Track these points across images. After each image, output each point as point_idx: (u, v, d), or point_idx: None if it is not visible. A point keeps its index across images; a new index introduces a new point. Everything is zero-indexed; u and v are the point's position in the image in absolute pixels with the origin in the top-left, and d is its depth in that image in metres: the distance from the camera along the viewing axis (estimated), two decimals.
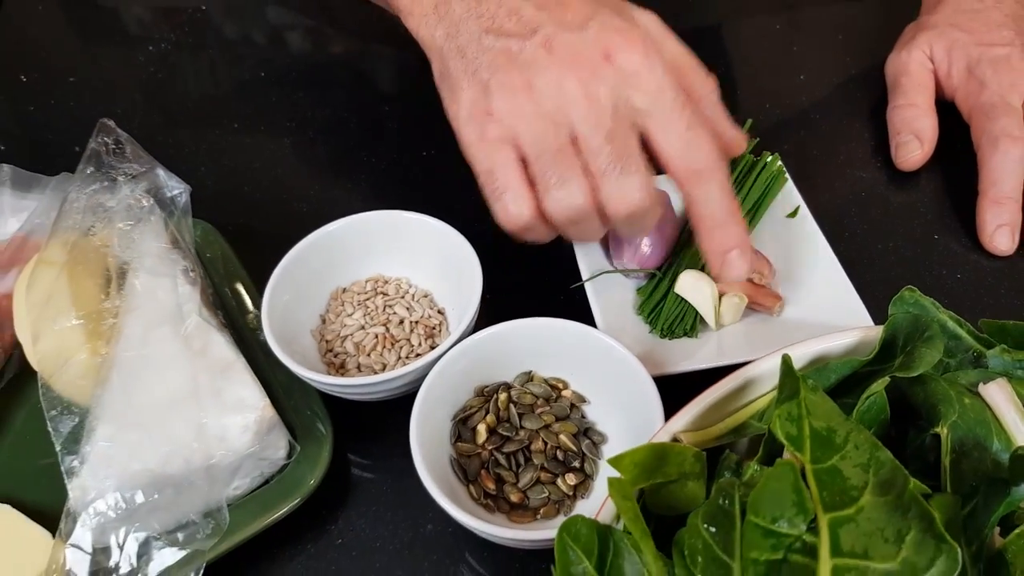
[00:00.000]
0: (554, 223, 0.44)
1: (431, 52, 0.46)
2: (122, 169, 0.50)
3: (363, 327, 0.49)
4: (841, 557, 0.28)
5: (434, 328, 0.50)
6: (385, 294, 0.51)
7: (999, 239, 0.53)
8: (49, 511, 0.43)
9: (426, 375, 0.44)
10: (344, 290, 0.52)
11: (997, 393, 0.36)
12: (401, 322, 0.49)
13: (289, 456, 0.44)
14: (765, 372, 0.38)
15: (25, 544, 0.42)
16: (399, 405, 0.47)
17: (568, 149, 0.42)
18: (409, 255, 0.52)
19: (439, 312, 0.51)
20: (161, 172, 0.53)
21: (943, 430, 0.34)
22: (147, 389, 0.43)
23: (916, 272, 0.54)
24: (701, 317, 0.48)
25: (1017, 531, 0.33)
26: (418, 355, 0.48)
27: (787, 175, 0.54)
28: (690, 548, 0.32)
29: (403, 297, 0.51)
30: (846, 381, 0.38)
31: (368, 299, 0.51)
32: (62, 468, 0.40)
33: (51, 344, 0.44)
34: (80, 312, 0.45)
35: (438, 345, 0.47)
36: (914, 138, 0.58)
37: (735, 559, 0.31)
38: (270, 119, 0.67)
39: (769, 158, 0.53)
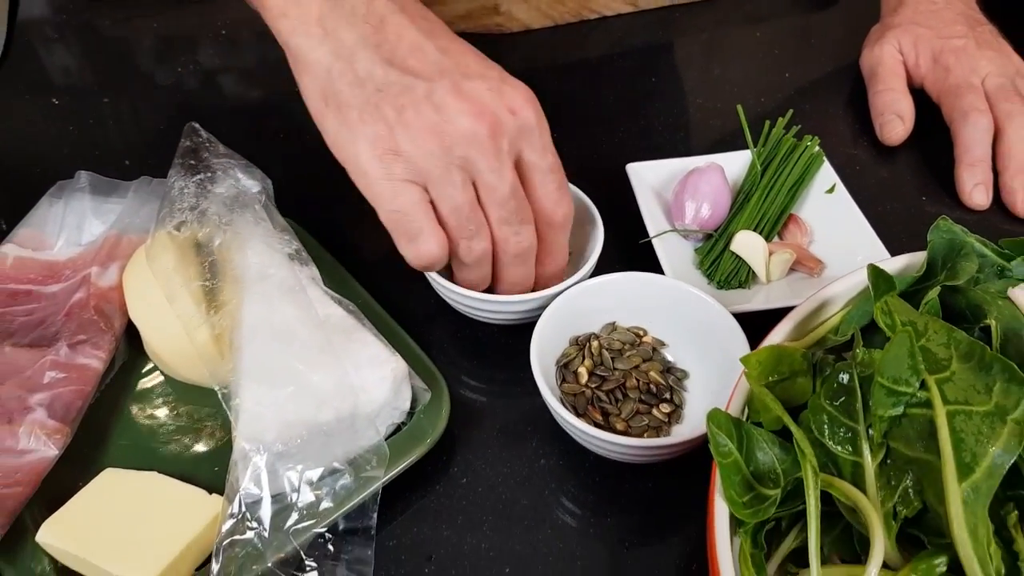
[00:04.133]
0: (460, 264, 0.48)
1: (310, 67, 0.45)
2: (219, 163, 0.54)
3: None
4: (950, 405, 0.35)
5: None
6: None
7: (976, 196, 0.63)
8: (190, 479, 0.46)
9: (544, 306, 0.50)
10: None
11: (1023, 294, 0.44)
12: None
13: (412, 407, 0.49)
14: (837, 294, 0.45)
15: (180, 503, 0.45)
16: (498, 368, 0.53)
17: (476, 201, 0.45)
18: None
19: None
20: (245, 166, 0.57)
21: (992, 321, 0.42)
22: (285, 352, 0.47)
23: (911, 230, 0.63)
24: (753, 272, 0.56)
25: None
26: None
27: (824, 156, 0.62)
28: (816, 422, 0.38)
29: None
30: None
31: None
32: (230, 416, 0.44)
33: (186, 304, 0.48)
34: (206, 279, 0.49)
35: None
36: (896, 117, 0.67)
37: (859, 422, 0.38)
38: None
39: (809, 142, 0.62)
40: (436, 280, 0.52)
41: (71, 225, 0.58)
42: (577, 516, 0.47)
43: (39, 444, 0.47)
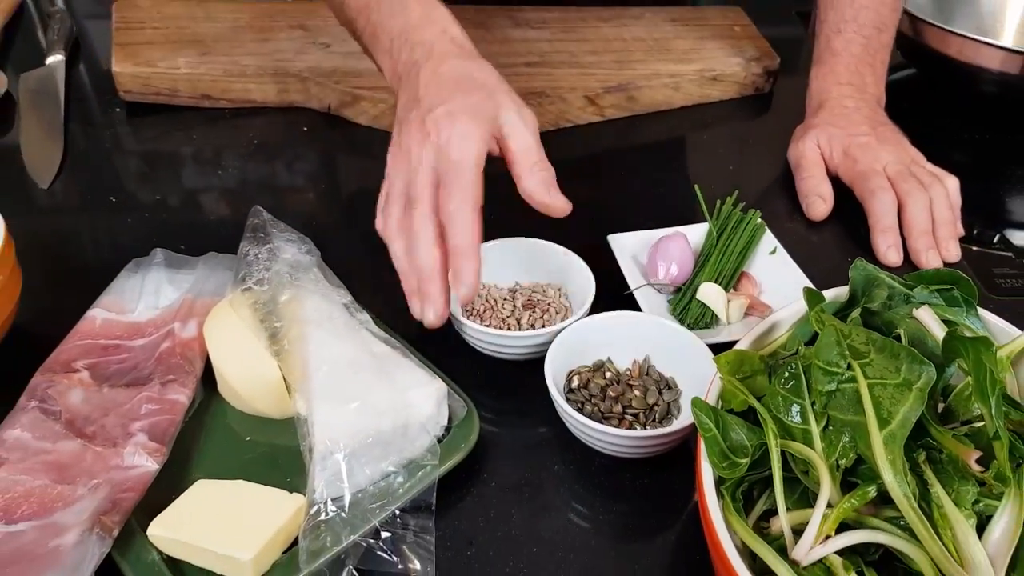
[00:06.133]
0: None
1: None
2: (280, 236, 0.67)
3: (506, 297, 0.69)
4: (870, 380, 0.48)
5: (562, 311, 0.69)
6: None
7: (890, 255, 0.78)
8: None
9: (551, 341, 0.62)
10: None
11: (925, 314, 0.56)
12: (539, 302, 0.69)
13: (449, 425, 0.60)
14: (784, 318, 0.58)
15: (266, 501, 0.54)
16: (514, 397, 0.64)
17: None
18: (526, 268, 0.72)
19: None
20: (300, 239, 0.69)
21: (901, 331, 0.55)
22: (349, 376, 0.58)
23: (838, 283, 0.76)
24: (715, 316, 0.69)
25: (955, 392, 0.53)
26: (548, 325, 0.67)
27: (766, 226, 0.77)
28: (773, 403, 0.50)
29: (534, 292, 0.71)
30: None
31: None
32: (309, 426, 0.54)
33: (267, 341, 0.59)
34: (281, 323, 0.60)
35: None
36: (818, 198, 0.83)
37: (805, 399, 0.50)
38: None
39: (752, 214, 0.76)
40: (461, 322, 0.64)
41: (149, 292, 0.69)
42: (588, 507, 0.58)
43: (142, 460, 0.56)
